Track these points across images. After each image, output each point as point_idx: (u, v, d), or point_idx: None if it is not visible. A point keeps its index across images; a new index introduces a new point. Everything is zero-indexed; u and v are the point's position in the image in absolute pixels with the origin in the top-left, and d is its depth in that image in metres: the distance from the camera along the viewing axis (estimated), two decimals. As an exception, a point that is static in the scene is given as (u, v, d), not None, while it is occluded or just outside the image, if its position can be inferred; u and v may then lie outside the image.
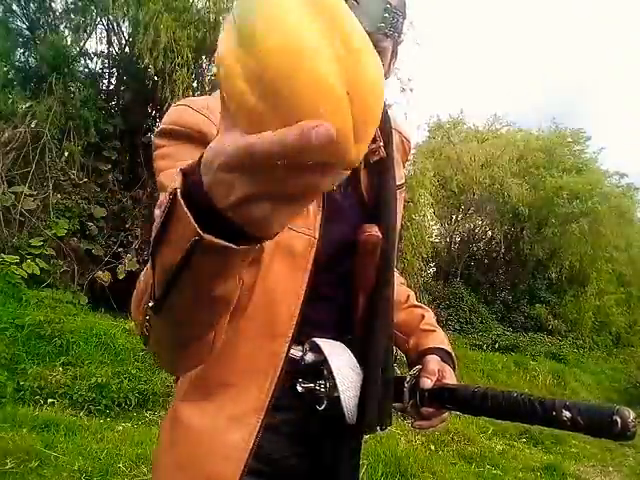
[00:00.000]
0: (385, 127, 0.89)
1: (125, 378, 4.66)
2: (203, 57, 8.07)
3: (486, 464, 4.31)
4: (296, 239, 0.76)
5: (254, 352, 0.76)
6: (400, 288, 1.07)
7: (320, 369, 0.79)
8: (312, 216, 0.77)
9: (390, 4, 0.77)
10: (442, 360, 0.92)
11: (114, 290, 7.42)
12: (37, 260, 6.33)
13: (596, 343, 13.77)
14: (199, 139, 0.74)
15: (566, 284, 13.92)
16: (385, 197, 0.86)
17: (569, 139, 14.14)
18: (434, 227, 14.28)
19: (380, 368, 0.81)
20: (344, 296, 0.85)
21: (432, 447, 4.58)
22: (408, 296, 1.09)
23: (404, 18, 0.83)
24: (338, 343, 0.82)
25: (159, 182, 0.77)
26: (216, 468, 0.75)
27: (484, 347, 10.44)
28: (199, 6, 7.46)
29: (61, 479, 2.97)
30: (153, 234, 0.49)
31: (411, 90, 9.64)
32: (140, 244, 7.67)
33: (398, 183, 0.93)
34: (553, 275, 13.77)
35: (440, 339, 0.99)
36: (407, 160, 1.07)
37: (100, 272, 7.18)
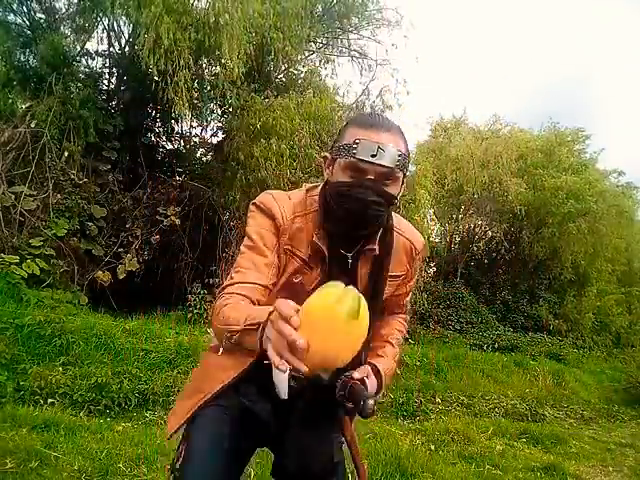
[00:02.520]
0: (386, 237, 1.32)
1: (125, 378, 4.66)
2: (203, 58, 8.07)
3: (486, 464, 4.30)
4: (299, 285, 1.29)
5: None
6: (392, 329, 1.55)
7: None
8: (314, 279, 1.28)
9: (401, 151, 1.21)
10: (373, 373, 1.30)
11: (114, 290, 7.43)
12: (37, 260, 6.32)
13: (596, 343, 13.77)
14: (270, 215, 1.27)
15: (566, 284, 13.91)
16: (375, 284, 1.32)
17: (569, 138, 14.14)
18: (434, 227, 14.30)
19: None
20: None
21: (432, 447, 4.58)
22: (390, 339, 1.51)
23: (409, 157, 1.26)
24: None
25: (247, 231, 1.30)
26: (211, 385, 1.29)
27: (484, 347, 10.44)
28: (199, 8, 7.46)
29: (61, 479, 2.97)
30: (241, 324, 1.04)
31: (408, 93, 9.71)
32: (140, 244, 7.68)
33: (394, 274, 1.37)
34: (553, 275, 13.77)
35: (382, 362, 1.37)
36: (415, 259, 1.43)
37: (100, 272, 7.18)
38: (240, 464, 1.33)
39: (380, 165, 1.17)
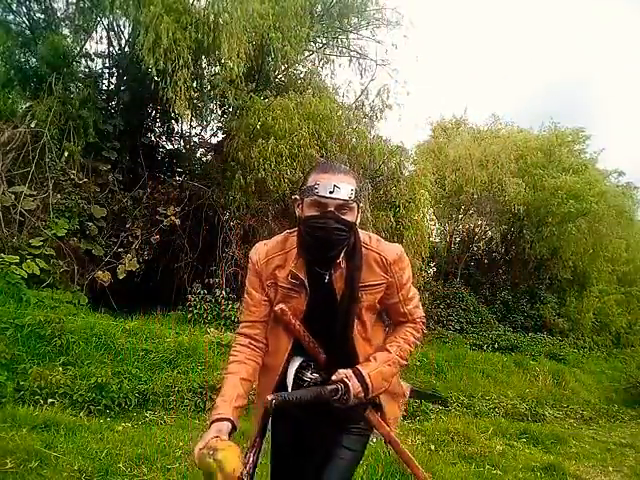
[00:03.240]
0: (354, 255, 1.57)
1: (125, 378, 4.67)
2: (203, 58, 8.07)
3: (486, 464, 4.30)
4: (294, 307, 1.60)
5: (276, 362, 1.65)
6: (397, 337, 1.73)
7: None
8: (304, 300, 1.59)
9: (353, 187, 1.50)
10: (354, 375, 1.53)
11: (114, 290, 7.42)
12: (37, 260, 6.32)
13: (596, 343, 13.77)
14: (252, 263, 1.66)
15: (566, 284, 13.91)
16: (351, 292, 1.58)
17: (569, 139, 14.13)
18: (434, 227, 14.30)
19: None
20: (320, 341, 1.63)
21: (432, 447, 4.58)
22: (388, 346, 1.69)
23: (361, 191, 1.59)
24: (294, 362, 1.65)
25: (245, 293, 1.70)
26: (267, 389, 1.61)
27: (484, 347, 10.44)
28: (199, 7, 7.46)
29: (61, 479, 2.98)
30: (212, 414, 1.46)
31: (408, 93, 9.71)
32: (140, 244, 7.67)
33: (369, 284, 1.60)
34: (554, 275, 13.77)
35: (367, 366, 1.58)
36: (391, 269, 1.63)
37: (100, 272, 7.18)
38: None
39: (337, 199, 1.48)
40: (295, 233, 1.64)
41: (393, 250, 1.67)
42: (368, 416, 1.64)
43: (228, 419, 1.42)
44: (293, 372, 1.61)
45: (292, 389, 1.58)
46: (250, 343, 1.62)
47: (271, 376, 1.63)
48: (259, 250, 1.66)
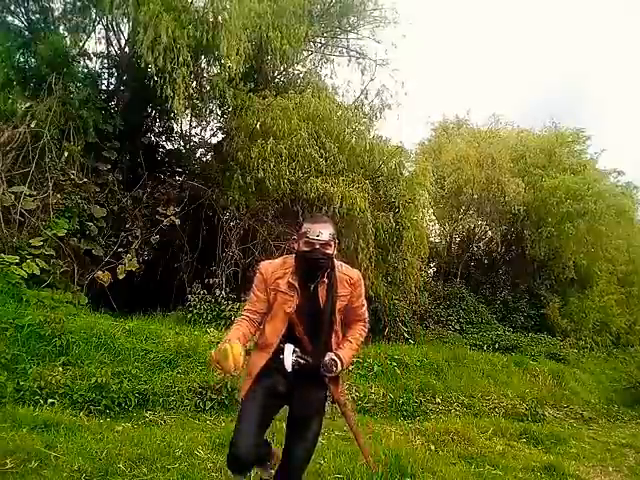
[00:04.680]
0: (332, 275, 2.43)
1: (125, 378, 4.66)
2: (202, 56, 8.06)
3: (486, 464, 4.30)
4: (287, 307, 2.40)
5: (270, 342, 2.43)
6: (355, 331, 2.59)
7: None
8: (295, 302, 2.38)
9: (331, 232, 2.39)
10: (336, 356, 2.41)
11: (114, 290, 7.42)
12: (37, 260, 6.31)
13: (596, 343, 13.75)
14: (260, 274, 2.49)
15: (567, 284, 13.91)
16: (330, 300, 2.43)
17: (569, 139, 14.12)
18: (434, 227, 14.30)
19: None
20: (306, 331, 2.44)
21: (432, 447, 4.58)
22: (350, 337, 2.57)
23: (337, 233, 2.47)
24: (289, 344, 2.39)
25: (251, 291, 2.54)
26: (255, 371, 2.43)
27: (484, 347, 10.44)
28: (198, 6, 7.46)
29: (61, 479, 2.97)
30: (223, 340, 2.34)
31: (406, 93, 9.73)
32: (140, 244, 7.67)
33: (341, 294, 2.45)
34: (554, 275, 13.76)
35: (342, 351, 2.46)
36: (354, 284, 2.52)
37: (100, 272, 7.17)
38: (272, 409, 2.49)
39: (321, 240, 2.36)
40: (291, 257, 2.48)
41: (355, 273, 2.56)
42: (330, 384, 2.48)
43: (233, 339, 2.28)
44: (289, 353, 2.36)
45: (290, 365, 2.35)
46: (249, 318, 2.46)
47: (264, 354, 2.43)
48: (266, 267, 2.49)
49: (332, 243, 2.38)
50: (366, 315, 2.61)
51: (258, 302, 2.45)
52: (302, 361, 2.37)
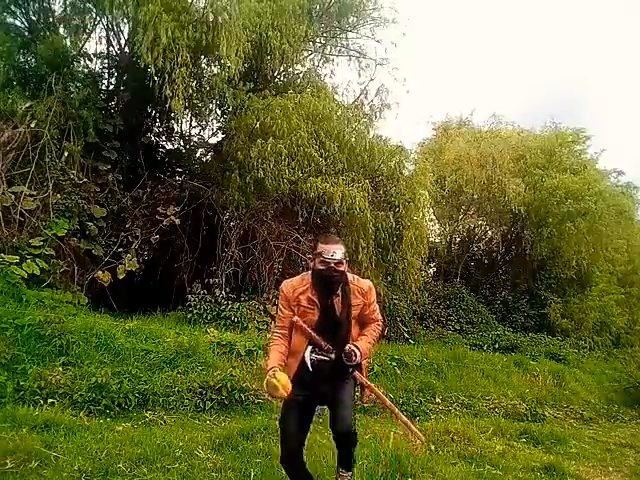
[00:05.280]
0: (345, 288, 2.78)
1: (125, 378, 4.66)
2: (202, 57, 8.06)
3: (486, 464, 4.29)
4: (310, 318, 2.76)
5: (299, 349, 2.78)
6: (370, 328, 2.93)
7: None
8: (316, 313, 2.75)
9: (343, 251, 2.73)
10: (354, 347, 2.76)
11: (114, 290, 7.42)
12: (37, 260, 6.31)
13: (596, 343, 13.74)
14: (283, 293, 2.83)
15: (567, 284, 13.90)
16: (345, 309, 2.79)
17: (570, 139, 14.11)
18: (434, 227, 14.30)
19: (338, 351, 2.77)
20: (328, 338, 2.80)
21: (432, 447, 4.57)
22: (366, 332, 2.91)
23: (347, 253, 2.85)
24: (309, 346, 2.77)
25: (278, 309, 2.89)
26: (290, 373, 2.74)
27: (484, 347, 10.43)
28: (198, 6, 7.46)
29: (61, 479, 2.97)
30: (265, 369, 2.69)
31: (407, 92, 9.74)
32: (140, 244, 7.67)
33: (354, 304, 2.81)
34: (554, 275, 13.75)
35: (359, 343, 2.80)
36: (366, 294, 2.85)
37: (100, 272, 7.17)
38: (309, 413, 2.84)
39: (334, 259, 2.67)
40: (308, 274, 2.81)
41: (366, 284, 2.89)
42: (355, 373, 2.84)
43: (275, 366, 2.60)
44: (308, 353, 2.70)
45: (310, 363, 2.69)
46: (281, 335, 2.77)
47: (296, 356, 2.75)
48: (288, 285, 2.80)
49: (344, 261, 2.71)
50: (379, 316, 2.98)
51: (285, 318, 2.75)
52: (323, 357, 2.70)
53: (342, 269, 2.70)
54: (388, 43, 9.87)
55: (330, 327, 2.73)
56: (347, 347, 2.70)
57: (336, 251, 2.67)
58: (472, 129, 15.03)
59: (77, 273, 6.94)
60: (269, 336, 2.72)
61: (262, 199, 8.09)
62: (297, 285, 2.76)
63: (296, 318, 2.71)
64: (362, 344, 2.78)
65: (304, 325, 2.71)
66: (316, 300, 2.71)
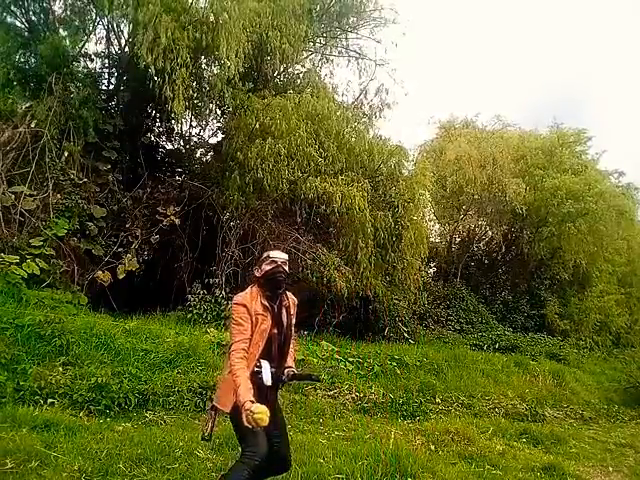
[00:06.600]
0: (284, 299, 2.91)
1: (125, 378, 4.66)
2: (202, 57, 8.07)
3: (486, 464, 4.30)
4: (264, 325, 2.76)
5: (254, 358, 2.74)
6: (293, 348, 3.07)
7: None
8: (269, 320, 2.76)
9: (285, 261, 2.89)
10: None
11: (114, 290, 7.42)
12: (37, 260, 6.31)
13: (596, 343, 13.75)
14: (247, 308, 2.74)
15: (567, 284, 13.90)
16: (288, 318, 2.91)
17: (571, 139, 14.10)
18: (434, 227, 14.30)
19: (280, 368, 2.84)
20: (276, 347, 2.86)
21: (432, 447, 4.57)
22: (292, 353, 3.05)
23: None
24: (264, 360, 2.74)
25: (233, 323, 2.78)
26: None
27: (484, 347, 10.43)
28: (198, 7, 7.46)
29: (61, 479, 2.97)
30: (239, 400, 2.48)
31: (406, 94, 9.75)
32: (140, 244, 7.67)
33: (292, 313, 2.95)
34: (554, 275, 13.75)
35: (291, 365, 2.97)
36: (296, 306, 3.01)
37: (100, 272, 7.17)
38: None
39: (282, 258, 2.86)
40: (255, 286, 2.85)
41: (294, 298, 3.04)
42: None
43: (251, 400, 2.46)
44: (268, 368, 2.71)
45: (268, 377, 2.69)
46: (245, 351, 2.68)
47: (249, 366, 2.71)
48: (244, 297, 2.80)
49: (286, 263, 2.91)
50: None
51: (246, 330, 2.72)
52: (275, 373, 2.75)
53: (287, 269, 2.88)
54: (388, 43, 9.89)
55: (280, 336, 2.82)
56: (286, 369, 2.85)
57: (282, 254, 2.91)
58: (475, 130, 15.02)
59: (77, 273, 6.94)
60: (232, 348, 2.65)
61: (262, 199, 8.09)
62: (251, 295, 2.82)
63: (275, 332, 2.79)
64: (292, 365, 2.97)
65: (273, 334, 2.78)
66: (268, 305, 2.78)
